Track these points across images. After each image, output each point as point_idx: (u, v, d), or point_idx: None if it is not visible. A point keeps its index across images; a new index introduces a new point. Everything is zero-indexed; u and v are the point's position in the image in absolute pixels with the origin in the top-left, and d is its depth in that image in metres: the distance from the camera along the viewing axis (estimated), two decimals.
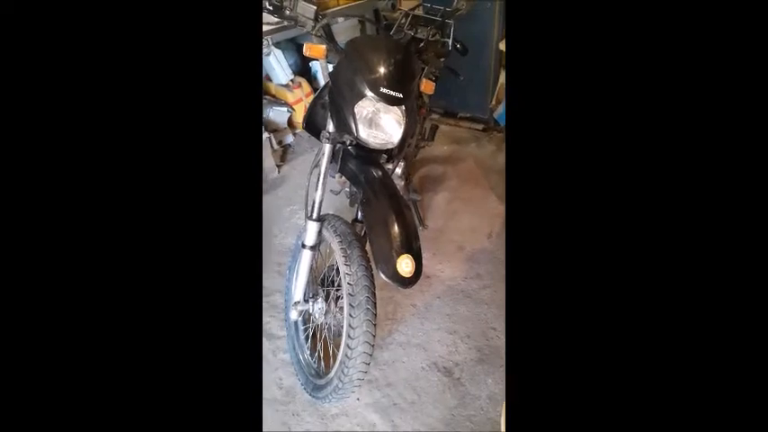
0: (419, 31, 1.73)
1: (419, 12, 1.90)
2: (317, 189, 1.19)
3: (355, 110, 1.01)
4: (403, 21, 1.79)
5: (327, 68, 2.93)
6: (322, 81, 2.95)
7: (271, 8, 0.98)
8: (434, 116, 2.80)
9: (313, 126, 1.30)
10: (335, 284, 1.26)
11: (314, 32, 1.03)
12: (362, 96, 1.00)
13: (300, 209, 2.31)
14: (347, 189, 1.63)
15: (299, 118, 2.87)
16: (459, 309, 1.66)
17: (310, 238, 1.22)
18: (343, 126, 1.07)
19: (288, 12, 0.99)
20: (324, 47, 1.02)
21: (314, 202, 1.20)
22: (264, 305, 1.71)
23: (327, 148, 1.15)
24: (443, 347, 1.52)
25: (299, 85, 2.79)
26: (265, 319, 1.66)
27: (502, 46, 2.57)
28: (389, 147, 1.10)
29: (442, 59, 1.56)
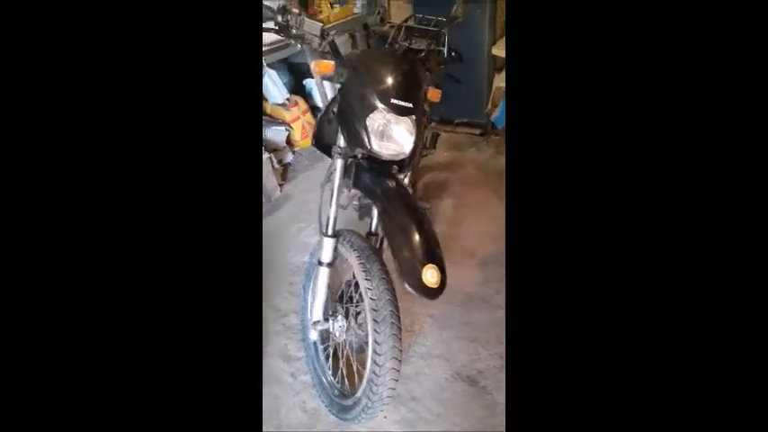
0: (414, 41, 1.74)
1: (411, 23, 1.92)
2: (330, 205, 1.18)
3: (367, 122, 1.00)
4: (397, 33, 1.81)
5: (322, 86, 2.94)
6: (317, 98, 2.97)
7: (277, 28, 0.98)
8: (432, 124, 2.82)
9: (322, 142, 1.29)
10: (354, 300, 1.24)
11: (321, 49, 1.03)
12: (373, 109, 1.00)
13: (308, 226, 2.29)
14: (355, 203, 1.63)
15: (298, 136, 2.87)
16: (477, 315, 1.64)
17: (327, 255, 1.20)
18: (355, 140, 1.06)
19: (294, 30, 0.99)
20: (331, 63, 1.02)
21: (328, 219, 1.19)
22: (280, 327, 1.69)
23: (339, 163, 1.15)
24: (465, 356, 1.49)
25: (296, 104, 2.81)
26: (282, 341, 1.63)
27: (494, 50, 2.60)
28: (401, 157, 1.10)
29: (443, 67, 1.57)
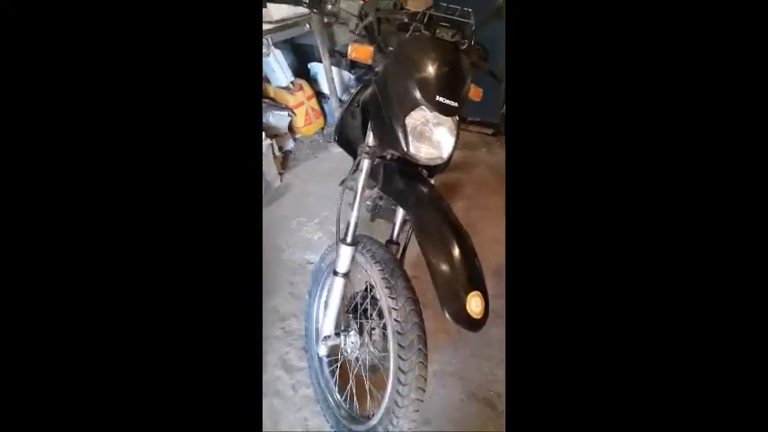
0: (438, 32, 1.59)
1: (435, 11, 1.77)
2: (352, 209, 1.05)
3: (407, 121, 0.87)
4: (420, 21, 1.66)
5: (330, 71, 2.76)
6: (323, 84, 2.80)
7: (307, 1, 0.83)
8: None
9: (345, 139, 1.15)
10: (369, 315, 1.13)
11: (357, 31, 0.89)
12: (415, 106, 0.86)
13: (309, 221, 2.15)
14: (368, 203, 1.50)
15: (300, 122, 2.71)
16: (492, 331, 1.53)
17: (344, 265, 1.08)
18: (388, 140, 0.93)
19: (329, 6, 0.85)
20: (370, 48, 0.88)
21: (348, 224, 1.06)
22: (279, 332, 1.56)
23: (366, 163, 1.01)
24: (481, 376, 1.39)
25: (300, 88, 2.64)
26: (282, 348, 1.50)
27: None
28: (438, 162, 0.97)
29: (486, 63, 1.44)
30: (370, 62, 0.89)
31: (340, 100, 2.67)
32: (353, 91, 3.13)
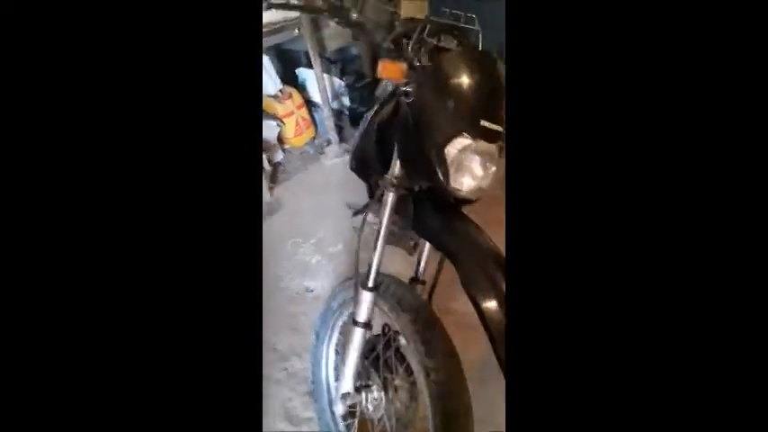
0: (443, 39, 1.46)
1: (437, 18, 1.64)
2: (375, 249, 0.90)
3: (447, 150, 0.74)
4: (422, 28, 1.52)
5: (323, 79, 2.59)
6: (312, 91, 2.64)
7: (327, 10, 0.69)
8: None
9: (365, 168, 1.01)
10: (393, 367, 0.98)
11: (385, 44, 0.74)
12: (458, 133, 0.73)
13: (305, 242, 1.99)
14: (375, 227, 1.35)
15: (290, 133, 2.54)
16: None
17: (364, 313, 0.93)
18: (422, 171, 0.79)
19: (354, 15, 0.70)
20: (403, 65, 0.74)
21: (370, 267, 0.91)
22: (281, 374, 1.40)
23: (391, 198, 0.87)
24: None
25: (290, 96, 2.47)
26: (284, 393, 1.34)
27: None
28: (479, 195, 0.83)
29: None
30: (402, 81, 0.75)
31: (332, 109, 2.52)
32: (346, 101, 2.95)
